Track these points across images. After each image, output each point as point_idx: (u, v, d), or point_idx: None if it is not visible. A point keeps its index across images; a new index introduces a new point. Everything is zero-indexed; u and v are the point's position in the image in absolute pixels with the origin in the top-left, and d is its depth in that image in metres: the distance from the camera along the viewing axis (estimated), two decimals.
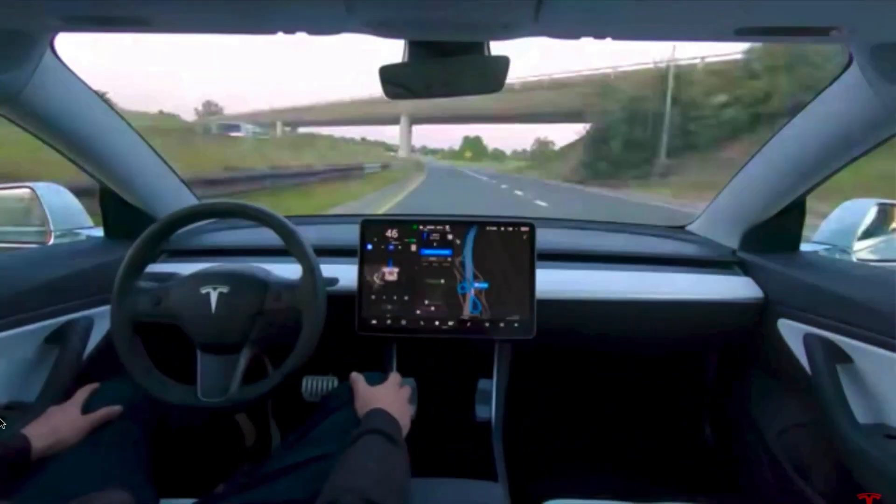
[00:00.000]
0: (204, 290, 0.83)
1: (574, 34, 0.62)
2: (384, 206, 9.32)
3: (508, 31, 0.62)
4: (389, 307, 1.01)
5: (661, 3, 0.53)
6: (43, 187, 1.24)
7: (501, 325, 1.00)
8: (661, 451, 1.39)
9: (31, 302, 0.87)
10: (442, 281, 1.01)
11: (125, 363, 0.82)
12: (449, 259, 1.02)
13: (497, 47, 0.71)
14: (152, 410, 0.84)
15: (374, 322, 1.01)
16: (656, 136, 17.69)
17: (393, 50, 0.73)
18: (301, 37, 0.63)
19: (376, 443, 0.66)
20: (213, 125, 27.48)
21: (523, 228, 1.02)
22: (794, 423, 1.00)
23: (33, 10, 0.60)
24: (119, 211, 1.13)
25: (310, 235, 0.87)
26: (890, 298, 0.80)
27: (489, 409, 1.01)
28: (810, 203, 1.07)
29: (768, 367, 1.11)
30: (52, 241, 1.18)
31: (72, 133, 0.91)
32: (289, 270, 0.92)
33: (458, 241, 1.02)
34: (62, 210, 1.25)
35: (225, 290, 0.83)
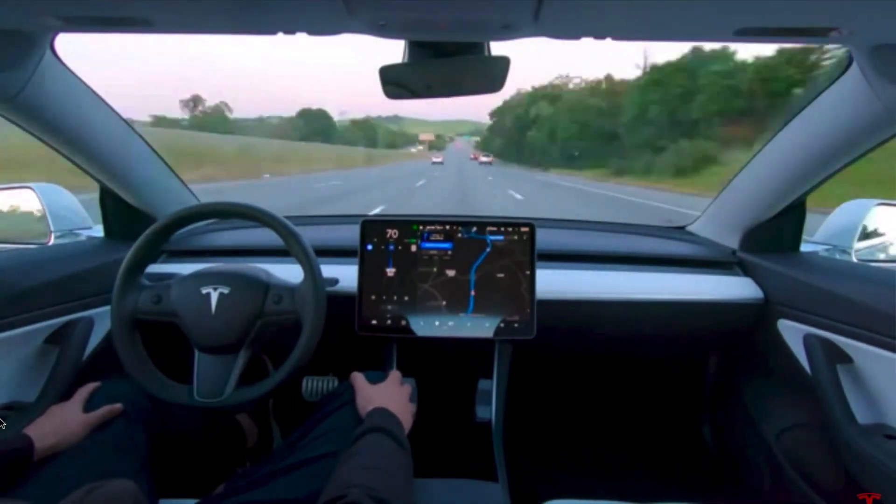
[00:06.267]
0: (204, 290, 0.83)
1: (574, 34, 0.62)
2: None
3: (508, 31, 0.62)
4: (389, 307, 1.01)
5: (661, 3, 0.53)
6: (43, 187, 1.24)
7: (501, 325, 1.00)
8: (662, 451, 1.39)
9: (32, 302, 0.87)
10: (442, 281, 1.01)
11: (123, 360, 0.82)
12: (449, 259, 1.02)
13: (497, 47, 0.71)
14: (153, 410, 0.84)
15: (374, 322, 1.01)
16: None
17: (393, 50, 0.73)
18: (301, 37, 0.63)
19: (382, 441, 0.65)
20: None
21: (523, 228, 1.02)
22: (794, 423, 1.00)
23: (33, 10, 0.60)
24: (119, 211, 1.12)
25: (310, 235, 0.87)
26: (890, 298, 0.80)
27: (489, 410, 1.01)
28: None
29: (768, 368, 1.11)
30: (52, 242, 1.18)
31: (72, 133, 0.91)
32: (289, 271, 0.92)
33: (458, 242, 1.02)
34: (62, 210, 1.25)
35: (226, 290, 0.83)
